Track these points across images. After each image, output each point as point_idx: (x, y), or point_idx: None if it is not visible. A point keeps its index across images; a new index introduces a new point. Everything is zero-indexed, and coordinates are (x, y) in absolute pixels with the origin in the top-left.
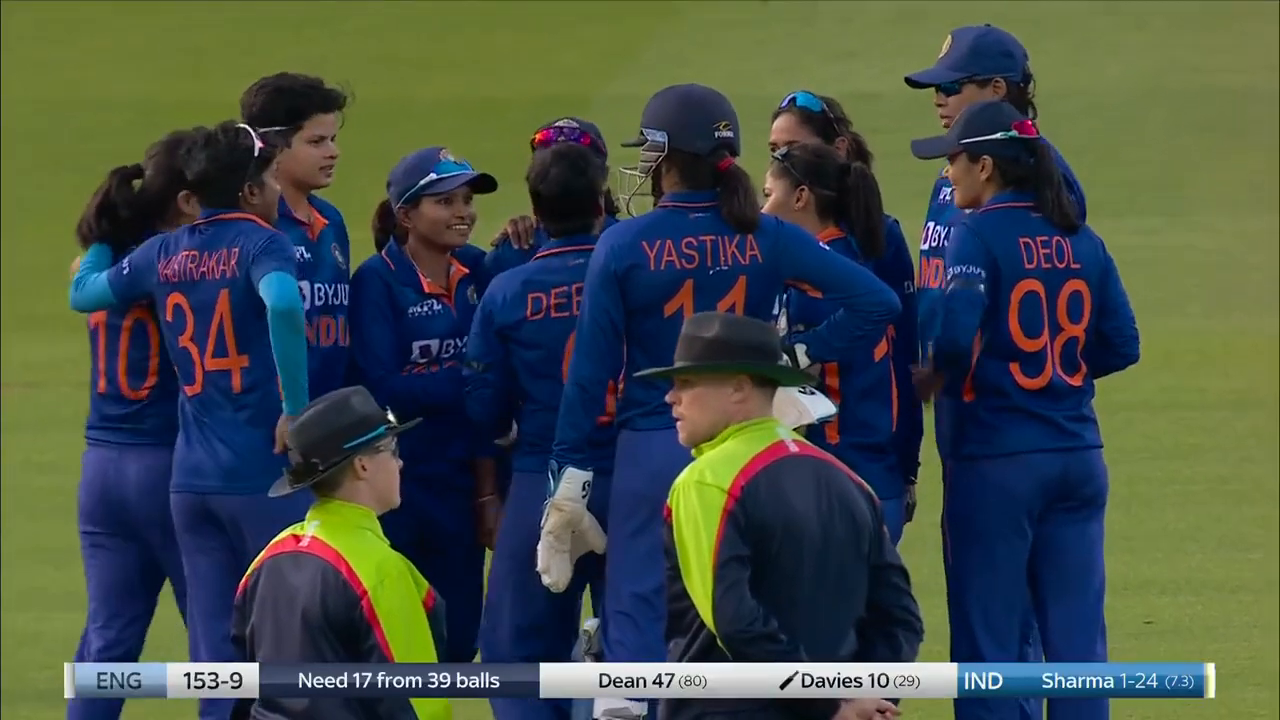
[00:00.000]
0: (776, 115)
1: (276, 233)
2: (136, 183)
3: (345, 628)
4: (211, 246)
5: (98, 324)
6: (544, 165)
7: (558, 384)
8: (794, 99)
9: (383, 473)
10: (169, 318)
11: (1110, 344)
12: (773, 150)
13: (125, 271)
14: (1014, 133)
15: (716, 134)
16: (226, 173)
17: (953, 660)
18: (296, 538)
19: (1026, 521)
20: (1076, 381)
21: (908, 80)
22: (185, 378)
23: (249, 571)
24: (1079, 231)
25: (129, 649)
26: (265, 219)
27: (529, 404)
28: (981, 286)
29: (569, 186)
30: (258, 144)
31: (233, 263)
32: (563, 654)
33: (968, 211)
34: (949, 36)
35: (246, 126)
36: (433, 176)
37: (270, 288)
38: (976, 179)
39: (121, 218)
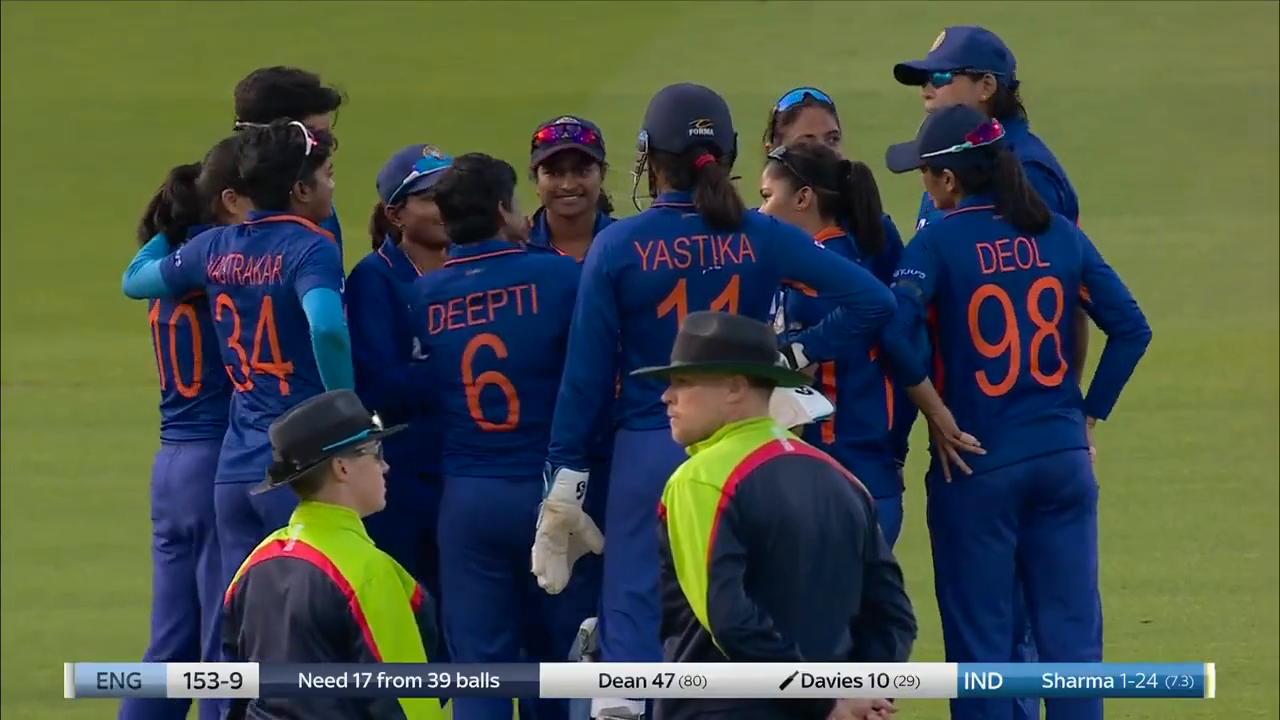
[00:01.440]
0: (793, 112)
1: (321, 238)
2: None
3: (335, 629)
4: (257, 251)
5: (152, 324)
6: (449, 172)
7: (461, 394)
8: (809, 94)
9: (365, 476)
10: (218, 317)
11: (1122, 333)
12: (766, 151)
13: (177, 264)
14: (968, 144)
15: (692, 131)
16: (277, 171)
17: (947, 658)
18: (281, 543)
19: (1002, 524)
20: (1054, 380)
21: (899, 68)
22: (236, 376)
23: (235, 579)
24: (1047, 229)
25: None
26: (316, 217)
27: (443, 413)
28: (919, 291)
29: (471, 188)
30: (310, 142)
31: (276, 269)
32: (518, 650)
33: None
34: (943, 32)
35: (299, 124)
36: (414, 174)
37: (312, 305)
38: (944, 189)
39: (173, 215)
